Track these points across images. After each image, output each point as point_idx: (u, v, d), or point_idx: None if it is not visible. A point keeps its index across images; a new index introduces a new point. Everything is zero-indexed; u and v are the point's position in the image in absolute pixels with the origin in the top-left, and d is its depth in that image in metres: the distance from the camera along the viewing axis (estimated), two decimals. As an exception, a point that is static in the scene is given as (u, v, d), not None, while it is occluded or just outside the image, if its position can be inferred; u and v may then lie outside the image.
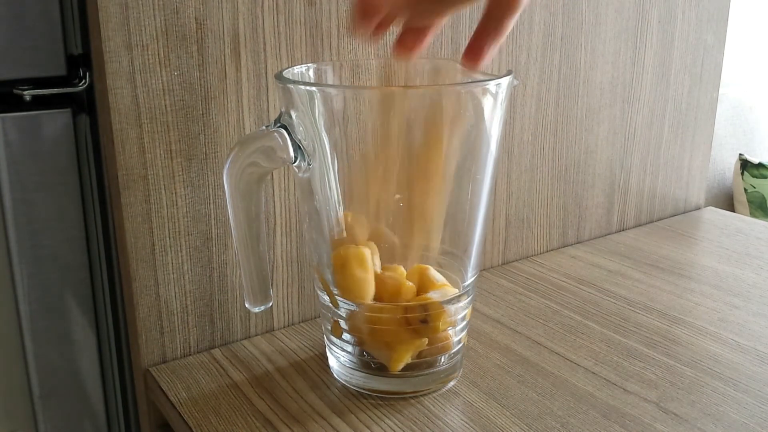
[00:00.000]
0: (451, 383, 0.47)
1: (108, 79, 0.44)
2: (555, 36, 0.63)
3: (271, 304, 0.47)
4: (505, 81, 0.42)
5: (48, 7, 0.46)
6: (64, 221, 0.49)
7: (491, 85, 0.41)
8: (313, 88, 0.41)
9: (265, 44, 0.49)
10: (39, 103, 0.47)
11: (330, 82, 0.48)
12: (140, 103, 0.45)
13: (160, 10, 0.45)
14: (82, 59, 0.47)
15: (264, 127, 0.43)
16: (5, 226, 0.48)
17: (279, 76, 0.42)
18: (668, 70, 0.73)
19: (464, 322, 0.46)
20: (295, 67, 0.46)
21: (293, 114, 0.42)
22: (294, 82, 0.42)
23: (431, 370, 0.45)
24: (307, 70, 0.48)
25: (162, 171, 0.47)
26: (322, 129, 0.42)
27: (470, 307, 0.46)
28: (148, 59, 0.45)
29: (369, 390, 0.46)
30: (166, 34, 0.45)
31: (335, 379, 0.47)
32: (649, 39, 0.70)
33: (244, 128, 0.49)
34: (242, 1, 0.47)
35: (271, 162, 0.42)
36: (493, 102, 0.42)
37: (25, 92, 0.46)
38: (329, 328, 0.46)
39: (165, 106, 0.46)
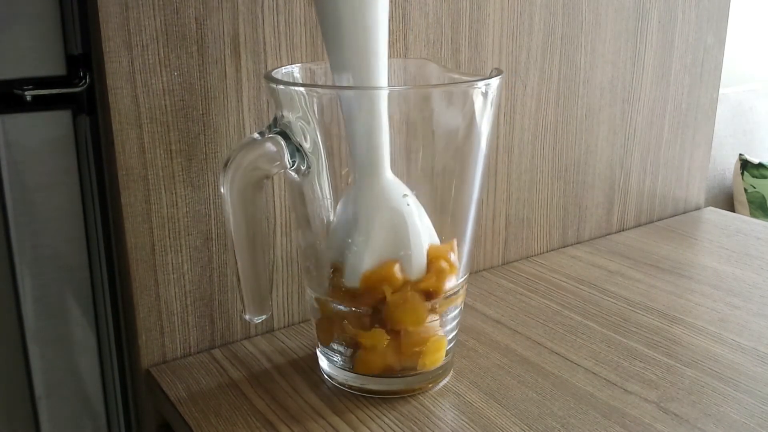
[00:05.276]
0: (444, 381, 0.47)
1: (108, 79, 0.44)
2: (555, 36, 0.63)
3: (270, 313, 0.47)
4: (495, 81, 0.42)
5: (48, 7, 0.46)
6: (65, 221, 0.49)
7: (481, 85, 0.41)
8: (302, 89, 0.41)
9: (265, 44, 0.49)
10: (39, 103, 0.47)
11: (320, 82, 0.48)
12: (140, 104, 0.45)
13: (160, 10, 0.45)
14: (82, 59, 0.47)
15: (257, 135, 0.42)
16: (6, 226, 0.48)
17: (270, 77, 0.42)
18: (668, 70, 0.73)
19: (455, 321, 0.46)
20: (282, 68, 0.46)
21: (289, 116, 0.42)
22: (285, 83, 0.41)
23: (424, 369, 0.45)
24: (302, 68, 0.47)
25: (162, 171, 0.47)
26: (317, 131, 0.42)
27: (461, 306, 0.46)
28: (148, 59, 0.45)
29: (360, 390, 0.45)
30: (166, 35, 0.45)
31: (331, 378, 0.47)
32: (649, 39, 0.70)
33: (244, 128, 0.49)
34: (242, 1, 0.47)
35: (270, 169, 0.42)
36: (484, 102, 0.42)
37: (26, 92, 0.46)
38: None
39: (165, 106, 0.46)
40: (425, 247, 0.43)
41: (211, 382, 0.48)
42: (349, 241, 0.43)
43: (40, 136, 0.48)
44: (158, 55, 0.45)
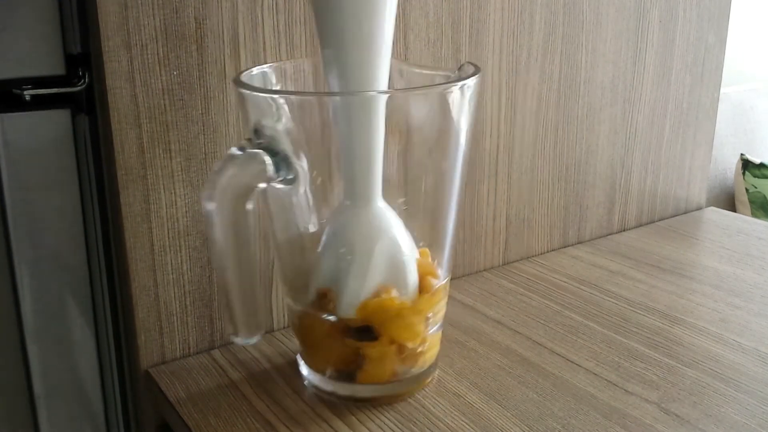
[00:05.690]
0: (430, 383, 0.47)
1: (107, 78, 0.44)
2: (556, 35, 0.62)
3: (263, 331, 0.45)
4: (472, 81, 0.41)
5: (47, 6, 0.46)
6: (64, 221, 0.49)
7: (458, 86, 0.41)
8: (275, 96, 0.40)
9: (264, 44, 0.48)
10: (38, 102, 0.47)
11: (291, 80, 0.47)
12: (139, 103, 0.45)
13: (159, 10, 0.44)
14: (82, 59, 0.47)
15: (238, 150, 0.40)
16: (5, 226, 0.48)
17: (239, 83, 0.40)
18: (669, 69, 0.72)
19: (438, 324, 0.46)
20: (253, 69, 0.45)
21: (267, 122, 0.40)
22: (256, 89, 0.41)
23: (423, 367, 0.45)
24: (271, 69, 0.46)
25: (161, 171, 0.47)
26: (292, 137, 0.40)
27: (444, 309, 0.46)
28: (148, 59, 0.45)
29: (346, 398, 0.45)
30: (166, 34, 0.45)
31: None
32: (650, 38, 0.69)
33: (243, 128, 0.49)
34: (242, 1, 0.47)
35: (252, 182, 0.40)
36: (461, 99, 0.41)
37: (25, 92, 0.46)
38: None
39: (164, 105, 0.46)
40: (415, 268, 0.43)
41: (211, 382, 0.48)
42: (344, 270, 0.42)
43: (40, 136, 0.47)
44: (157, 54, 0.45)
